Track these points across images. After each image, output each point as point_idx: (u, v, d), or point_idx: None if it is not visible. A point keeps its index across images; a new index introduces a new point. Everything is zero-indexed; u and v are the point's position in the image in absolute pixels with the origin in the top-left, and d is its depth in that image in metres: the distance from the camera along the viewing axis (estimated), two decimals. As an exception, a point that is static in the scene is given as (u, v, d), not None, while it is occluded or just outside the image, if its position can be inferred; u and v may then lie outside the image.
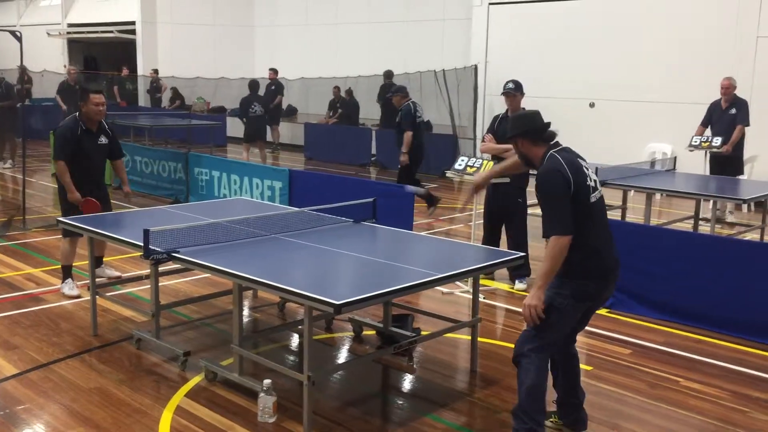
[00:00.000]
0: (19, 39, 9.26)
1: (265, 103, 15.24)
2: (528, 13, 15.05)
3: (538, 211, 4.00)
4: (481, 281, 6.75)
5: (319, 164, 16.18)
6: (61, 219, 5.95)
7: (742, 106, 10.09)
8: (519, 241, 7.04)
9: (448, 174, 7.13)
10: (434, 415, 4.52)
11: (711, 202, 8.39)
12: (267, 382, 4.37)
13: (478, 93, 15.60)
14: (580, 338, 5.71)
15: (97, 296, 5.81)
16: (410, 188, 6.28)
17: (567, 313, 3.88)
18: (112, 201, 6.91)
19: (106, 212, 6.56)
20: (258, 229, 5.39)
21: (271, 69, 18.06)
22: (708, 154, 10.36)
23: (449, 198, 12.69)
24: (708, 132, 10.34)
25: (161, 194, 11.44)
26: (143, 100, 21.83)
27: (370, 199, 5.94)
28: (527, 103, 6.79)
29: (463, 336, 5.74)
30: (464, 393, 4.92)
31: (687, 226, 8.97)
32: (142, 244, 4.70)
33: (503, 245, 7.17)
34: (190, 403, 4.60)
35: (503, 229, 7.28)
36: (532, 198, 5.95)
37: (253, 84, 14.80)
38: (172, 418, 4.39)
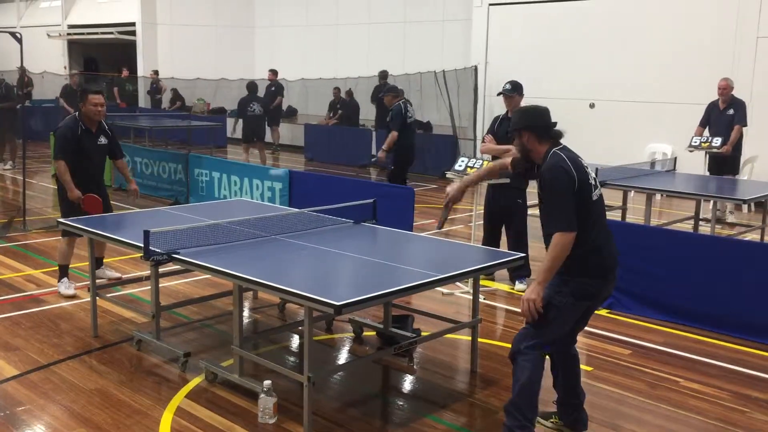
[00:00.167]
0: (19, 40, 9.27)
1: (264, 104, 15.25)
2: (528, 13, 15.06)
3: (538, 211, 4.01)
4: (482, 282, 6.75)
5: (320, 165, 16.19)
6: (61, 220, 5.95)
7: (739, 106, 10.10)
8: (519, 241, 7.04)
9: (449, 175, 7.13)
10: (434, 415, 4.52)
11: (711, 202, 8.39)
12: (267, 383, 4.38)
13: (478, 94, 15.60)
14: (581, 339, 5.71)
15: (97, 297, 5.82)
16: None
17: (566, 312, 3.88)
18: (111, 202, 6.91)
19: (107, 213, 6.57)
20: (258, 230, 5.40)
21: (270, 70, 18.06)
22: (707, 155, 10.37)
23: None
24: (707, 132, 10.35)
25: (161, 195, 11.45)
26: (143, 101, 21.84)
27: (370, 200, 5.94)
28: (527, 104, 6.78)
29: (464, 337, 5.74)
30: (464, 394, 4.92)
31: (687, 226, 8.97)
32: (142, 245, 4.71)
33: (503, 246, 7.17)
34: (190, 404, 4.60)
35: (503, 229, 7.29)
36: (531, 198, 5.97)
37: (251, 85, 14.80)
38: (172, 419, 4.39)
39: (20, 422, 4.35)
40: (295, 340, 5.78)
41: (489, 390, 4.91)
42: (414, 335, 5.35)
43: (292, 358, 5.47)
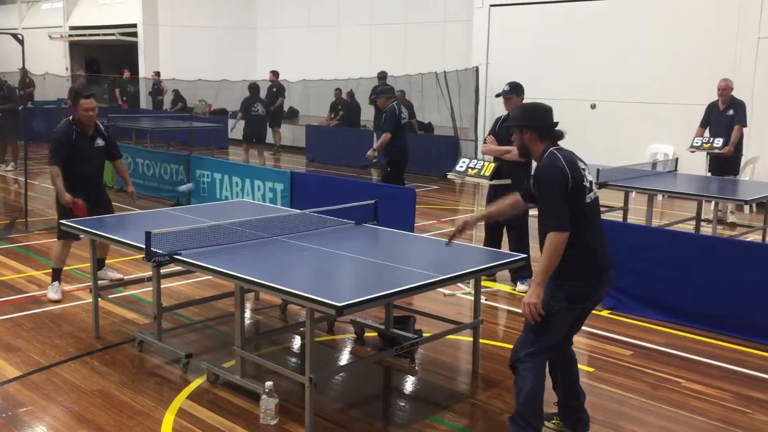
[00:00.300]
0: (21, 42, 9.28)
1: (266, 105, 15.26)
2: (529, 14, 15.06)
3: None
4: (483, 283, 6.75)
5: (321, 166, 16.19)
6: (63, 221, 5.96)
7: (739, 107, 10.10)
8: (520, 242, 7.04)
9: (450, 176, 7.13)
10: (436, 416, 4.53)
11: (713, 203, 8.38)
12: (269, 384, 4.38)
13: (479, 95, 15.61)
14: (582, 340, 5.73)
15: (99, 298, 5.82)
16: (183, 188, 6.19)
17: (562, 317, 3.88)
18: (113, 203, 6.91)
19: (108, 214, 6.57)
20: (259, 231, 5.40)
21: (271, 71, 18.09)
22: (708, 156, 10.36)
23: (451, 200, 12.72)
24: (707, 133, 10.35)
25: (163, 196, 11.46)
26: (145, 102, 21.88)
27: (372, 201, 5.94)
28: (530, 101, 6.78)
29: (465, 338, 5.75)
30: (466, 395, 4.92)
31: (689, 227, 8.97)
32: (144, 246, 4.71)
33: (504, 247, 7.17)
34: (192, 405, 4.60)
35: (504, 230, 7.28)
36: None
37: (254, 87, 14.83)
38: (174, 420, 4.39)
39: (22, 423, 4.35)
40: (297, 341, 5.79)
41: (491, 391, 4.91)
42: (415, 336, 5.35)
43: (293, 359, 5.48)
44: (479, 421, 4.54)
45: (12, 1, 27.14)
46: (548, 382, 4.15)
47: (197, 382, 4.91)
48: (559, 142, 4.01)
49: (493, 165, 6.82)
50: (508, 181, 6.70)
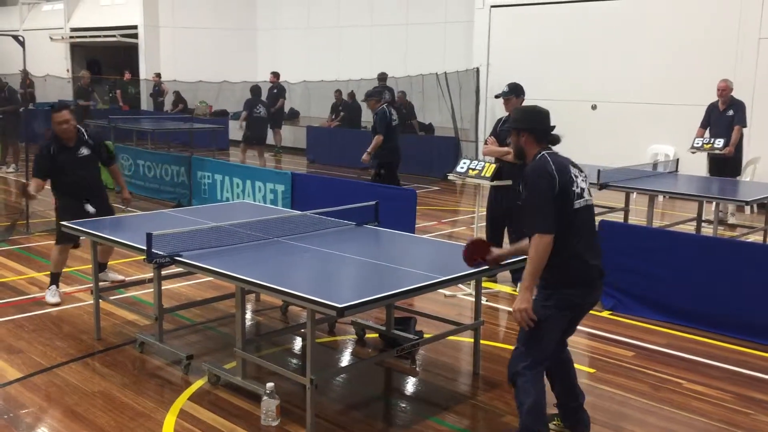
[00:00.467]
0: (22, 43, 9.29)
1: (267, 107, 15.26)
2: (530, 15, 15.06)
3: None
4: (484, 284, 6.75)
5: (322, 167, 16.19)
6: (64, 223, 5.95)
7: (739, 107, 10.09)
8: (521, 243, 7.03)
9: (451, 177, 7.14)
10: (437, 418, 4.53)
11: (713, 203, 8.38)
12: (270, 385, 4.38)
13: (480, 95, 15.61)
14: (582, 341, 5.74)
15: (100, 300, 5.82)
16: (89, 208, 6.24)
17: (553, 323, 3.85)
18: (114, 205, 6.90)
19: (108, 216, 6.55)
20: (260, 233, 5.40)
21: (272, 72, 18.09)
22: (709, 156, 10.36)
23: (452, 201, 12.72)
24: (707, 134, 10.34)
25: (164, 198, 11.46)
26: (146, 103, 21.88)
27: (373, 202, 5.95)
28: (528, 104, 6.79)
29: (466, 339, 5.75)
30: (467, 396, 4.92)
31: (689, 227, 8.97)
32: (145, 248, 4.71)
33: (505, 247, 7.16)
34: (193, 406, 4.61)
35: (506, 231, 7.28)
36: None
37: (255, 88, 14.82)
38: (175, 422, 4.40)
39: (24, 425, 4.36)
40: (298, 343, 5.79)
41: (492, 392, 4.91)
42: (416, 337, 5.36)
43: (294, 361, 5.48)
44: (480, 422, 4.54)
45: (13, 2, 27.16)
46: (546, 385, 4.15)
47: (198, 384, 4.91)
48: (559, 145, 4.01)
49: (493, 166, 6.82)
50: (509, 182, 6.71)
